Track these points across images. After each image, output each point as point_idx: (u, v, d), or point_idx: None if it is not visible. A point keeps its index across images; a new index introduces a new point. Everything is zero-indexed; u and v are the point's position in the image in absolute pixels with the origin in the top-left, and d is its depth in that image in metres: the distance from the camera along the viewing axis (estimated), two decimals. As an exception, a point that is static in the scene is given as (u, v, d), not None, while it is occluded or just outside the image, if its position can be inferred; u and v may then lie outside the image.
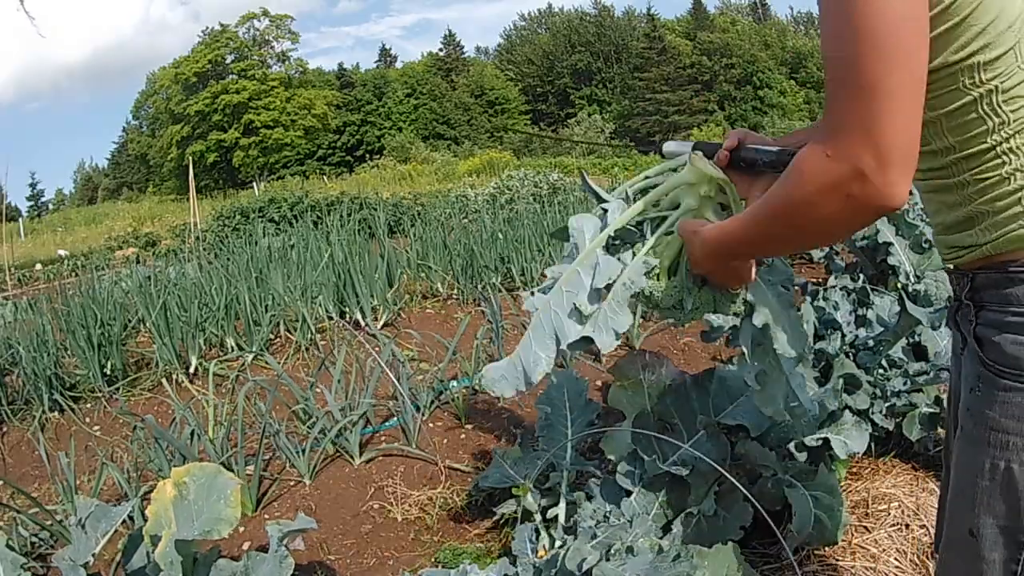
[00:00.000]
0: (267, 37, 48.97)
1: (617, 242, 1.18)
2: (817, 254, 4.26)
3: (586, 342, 1.12)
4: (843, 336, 2.55)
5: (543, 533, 1.84)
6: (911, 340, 2.50)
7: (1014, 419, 0.87)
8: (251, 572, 1.49)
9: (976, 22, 0.81)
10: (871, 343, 2.49)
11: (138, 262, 9.34)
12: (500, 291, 4.53)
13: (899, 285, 3.23)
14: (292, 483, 2.54)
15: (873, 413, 2.24)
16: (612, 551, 1.45)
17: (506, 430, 2.83)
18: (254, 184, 29.56)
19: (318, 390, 2.90)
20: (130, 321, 4.39)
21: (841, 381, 2.12)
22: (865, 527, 2.04)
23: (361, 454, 2.64)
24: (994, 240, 0.88)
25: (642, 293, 1.13)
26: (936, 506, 1.04)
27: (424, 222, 7.86)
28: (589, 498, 1.89)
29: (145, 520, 1.55)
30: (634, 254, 1.15)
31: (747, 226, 0.95)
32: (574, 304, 1.13)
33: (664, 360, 2.15)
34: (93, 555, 1.54)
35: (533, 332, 1.16)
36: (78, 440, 2.92)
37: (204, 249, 8.12)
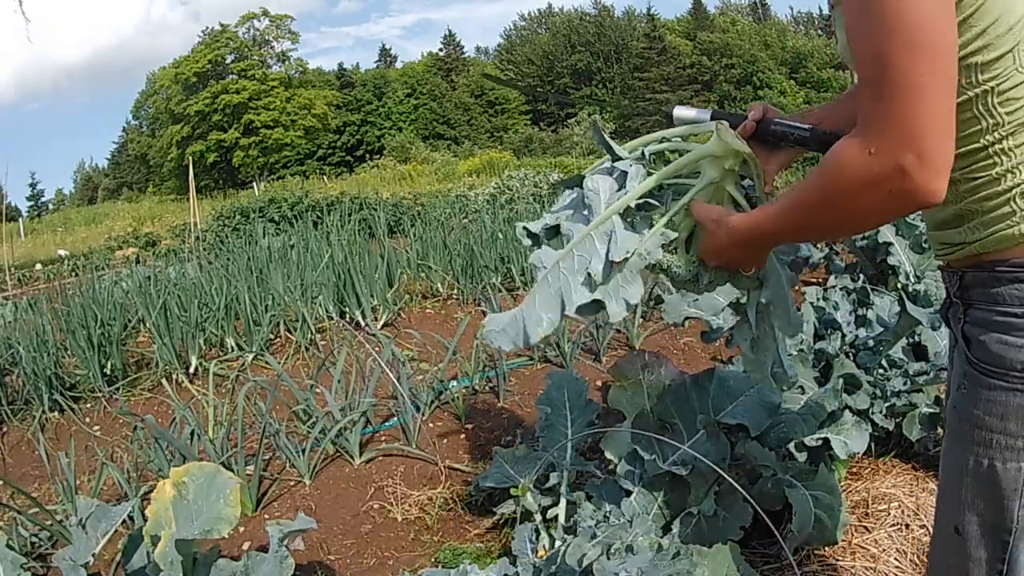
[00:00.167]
0: (267, 37, 48.98)
1: (631, 206, 1.14)
2: (817, 255, 4.25)
3: (595, 307, 1.09)
4: (843, 336, 2.55)
5: (543, 533, 1.84)
6: (911, 340, 2.50)
7: (997, 417, 0.88)
8: (251, 572, 1.49)
9: (977, 23, 0.81)
10: (871, 343, 2.49)
11: (138, 262, 9.34)
12: (500, 291, 4.53)
13: (899, 285, 3.23)
14: (292, 483, 2.54)
15: (873, 413, 2.24)
16: (612, 550, 1.45)
17: (506, 430, 2.83)
18: (254, 184, 29.57)
19: (318, 390, 2.90)
20: (130, 321, 4.38)
21: (841, 381, 2.12)
22: (865, 527, 2.04)
23: (361, 454, 2.64)
24: (982, 239, 0.89)
25: (659, 265, 1.10)
26: (935, 506, 1.05)
27: (424, 222, 7.86)
28: (589, 498, 1.89)
29: (145, 520, 1.55)
30: (651, 223, 1.11)
31: (781, 217, 0.94)
32: (587, 271, 1.09)
33: (664, 360, 2.15)
34: (93, 555, 1.54)
35: (538, 290, 1.12)
36: (78, 440, 2.92)
37: (204, 249, 8.12)
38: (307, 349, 3.94)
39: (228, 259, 5.86)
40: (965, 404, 0.92)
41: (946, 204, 0.92)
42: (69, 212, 42.48)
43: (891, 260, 3.48)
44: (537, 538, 1.83)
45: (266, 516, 2.36)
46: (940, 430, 2.21)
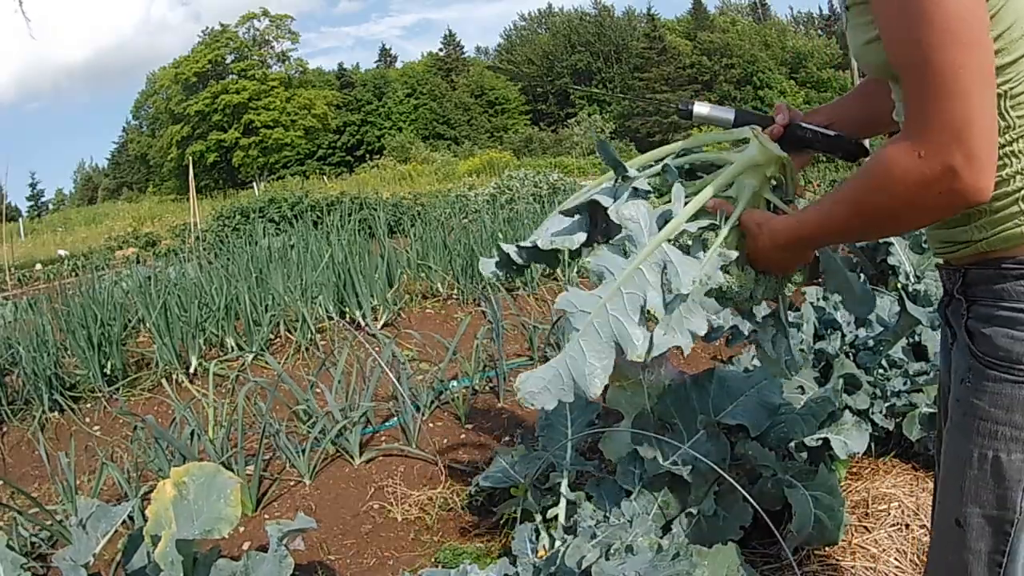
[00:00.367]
0: (267, 37, 48.99)
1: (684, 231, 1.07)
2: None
3: (661, 347, 1.01)
4: (843, 336, 2.55)
5: (543, 533, 1.83)
6: (911, 340, 2.50)
7: (1003, 409, 0.89)
8: (251, 572, 1.49)
9: (994, 27, 0.82)
10: (871, 343, 2.49)
11: (138, 262, 9.34)
12: (500, 291, 4.53)
13: (899, 285, 3.23)
14: (292, 483, 2.54)
15: (873, 413, 2.24)
16: (612, 550, 1.45)
17: (506, 430, 2.83)
18: (254, 184, 29.57)
19: (318, 390, 2.90)
20: (130, 321, 4.38)
21: (841, 381, 2.13)
22: (865, 527, 2.04)
23: (361, 454, 2.64)
24: (989, 237, 0.89)
25: (718, 288, 1.05)
26: (935, 500, 1.05)
27: (424, 222, 7.86)
28: (589, 498, 1.88)
29: (145, 520, 1.55)
30: (703, 244, 1.05)
31: (827, 220, 0.95)
32: (641, 307, 1.01)
33: (664, 360, 2.14)
34: (93, 555, 1.54)
35: (584, 339, 1.02)
36: (78, 440, 2.92)
37: (204, 249, 8.12)
38: (307, 349, 3.94)
39: (228, 259, 5.86)
40: (969, 396, 0.93)
41: None
42: (69, 212, 42.48)
43: (891, 260, 3.48)
44: (537, 538, 1.83)
45: (266, 516, 2.36)
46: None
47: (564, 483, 1.90)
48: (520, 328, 3.84)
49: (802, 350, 2.41)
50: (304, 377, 3.33)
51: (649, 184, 1.11)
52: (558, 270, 4.77)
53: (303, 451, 2.54)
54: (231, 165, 46.08)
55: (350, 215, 7.76)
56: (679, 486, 1.81)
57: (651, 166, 1.14)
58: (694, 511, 1.76)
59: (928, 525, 1.98)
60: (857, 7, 0.91)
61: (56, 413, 3.40)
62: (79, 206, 50.67)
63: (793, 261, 1.08)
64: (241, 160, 45.32)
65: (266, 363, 3.58)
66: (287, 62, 49.37)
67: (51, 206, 57.68)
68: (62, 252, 15.52)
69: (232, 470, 2.42)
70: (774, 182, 1.11)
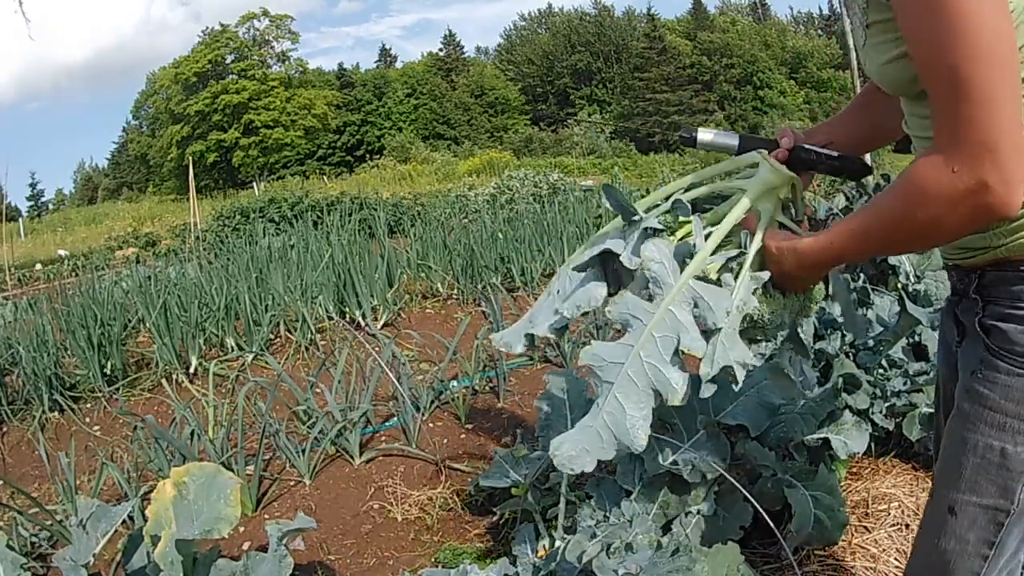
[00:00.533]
0: (267, 37, 48.96)
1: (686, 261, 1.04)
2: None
3: (711, 389, 0.99)
4: (843, 336, 2.55)
5: (543, 533, 1.84)
6: (911, 340, 2.50)
7: (1013, 402, 0.91)
8: (251, 572, 1.49)
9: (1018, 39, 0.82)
10: (871, 343, 2.49)
11: (138, 262, 9.34)
12: (500, 291, 4.53)
13: (899, 285, 3.23)
14: (292, 483, 2.54)
15: (873, 413, 2.24)
16: (612, 548, 1.45)
17: (506, 430, 2.83)
18: (254, 184, 29.56)
19: (318, 390, 2.90)
20: (130, 321, 4.38)
21: (841, 381, 2.12)
22: (865, 527, 2.04)
23: (361, 454, 2.64)
24: (1008, 244, 0.91)
25: (749, 317, 1.02)
26: (931, 488, 1.06)
27: (424, 222, 7.86)
28: (589, 498, 1.88)
29: (145, 520, 1.55)
30: (732, 273, 1.02)
31: (859, 239, 0.95)
32: (675, 349, 0.98)
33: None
34: (93, 555, 1.54)
35: (621, 392, 0.99)
36: (78, 440, 2.92)
37: (204, 249, 8.12)
38: (307, 349, 3.94)
39: (228, 259, 5.86)
40: (980, 388, 0.94)
41: None
42: (69, 212, 42.46)
43: (891, 260, 3.48)
44: (537, 538, 1.83)
45: (266, 516, 2.36)
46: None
47: (564, 483, 1.90)
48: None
49: (802, 350, 2.41)
50: (304, 377, 3.33)
51: (660, 223, 1.08)
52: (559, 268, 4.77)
53: (303, 451, 2.54)
54: (231, 165, 46.07)
55: (350, 215, 7.76)
56: (679, 486, 1.81)
57: (658, 205, 1.12)
58: (694, 511, 1.76)
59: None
60: (879, 25, 0.91)
61: (56, 413, 3.40)
62: (79, 206, 50.65)
63: (811, 281, 1.09)
64: (241, 160, 45.31)
65: (266, 363, 3.58)
66: (287, 62, 49.37)
67: (51, 206, 57.63)
68: (62, 252, 15.53)
69: (232, 470, 2.42)
70: (784, 203, 1.11)
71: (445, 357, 3.23)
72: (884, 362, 2.40)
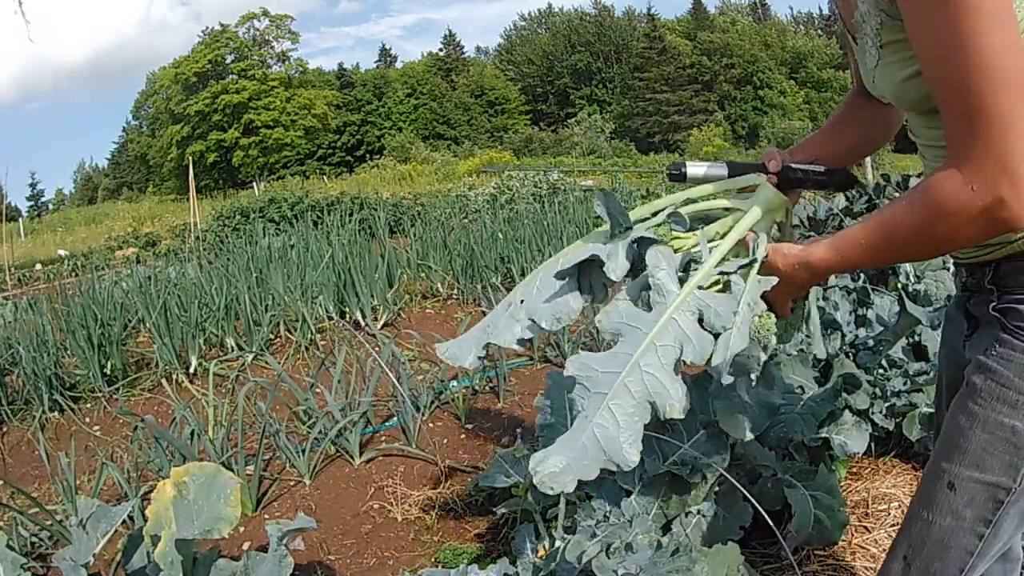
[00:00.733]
0: (267, 37, 48.98)
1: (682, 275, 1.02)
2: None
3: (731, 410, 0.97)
4: (843, 336, 2.55)
5: (543, 533, 1.84)
6: (911, 340, 2.50)
7: None
8: (251, 572, 1.49)
9: None
10: (871, 343, 2.49)
11: (138, 262, 9.34)
12: (500, 291, 4.53)
13: (899, 285, 3.23)
14: (292, 483, 2.54)
15: (873, 413, 2.24)
16: (612, 548, 1.45)
17: (506, 430, 2.83)
18: (254, 184, 29.54)
19: (318, 390, 2.90)
20: (130, 321, 4.38)
21: (841, 381, 2.12)
22: (865, 527, 2.04)
23: (361, 454, 2.64)
24: (1022, 238, 0.93)
25: (754, 332, 1.00)
26: (929, 464, 1.06)
27: (424, 222, 7.86)
28: (589, 498, 1.88)
29: (145, 520, 1.55)
30: (743, 277, 1.01)
31: (866, 250, 0.96)
32: (678, 359, 0.95)
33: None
34: (93, 555, 1.54)
35: (615, 403, 0.93)
36: (78, 440, 2.92)
37: (204, 249, 8.12)
38: (307, 349, 3.94)
39: (228, 259, 5.86)
40: (995, 364, 0.95)
41: None
42: (69, 212, 42.47)
43: (891, 260, 3.47)
44: (537, 538, 1.83)
45: (266, 516, 2.36)
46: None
47: (564, 483, 1.90)
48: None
49: (802, 350, 2.41)
50: (304, 377, 3.33)
51: (653, 235, 1.05)
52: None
53: (303, 451, 2.54)
54: (231, 165, 46.08)
55: (350, 215, 7.77)
56: (679, 486, 1.81)
57: (646, 219, 1.10)
58: (694, 511, 1.76)
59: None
60: (893, 45, 0.92)
61: (56, 413, 3.40)
62: (79, 206, 50.65)
63: (808, 289, 1.11)
64: (241, 160, 45.32)
65: (266, 363, 3.58)
66: (287, 62, 49.39)
67: (51, 206, 57.65)
68: (62, 252, 15.53)
69: (232, 470, 2.42)
70: (779, 226, 1.13)
71: (445, 357, 3.23)
72: (884, 362, 2.40)
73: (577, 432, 0.93)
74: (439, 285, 5.15)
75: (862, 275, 3.47)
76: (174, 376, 3.65)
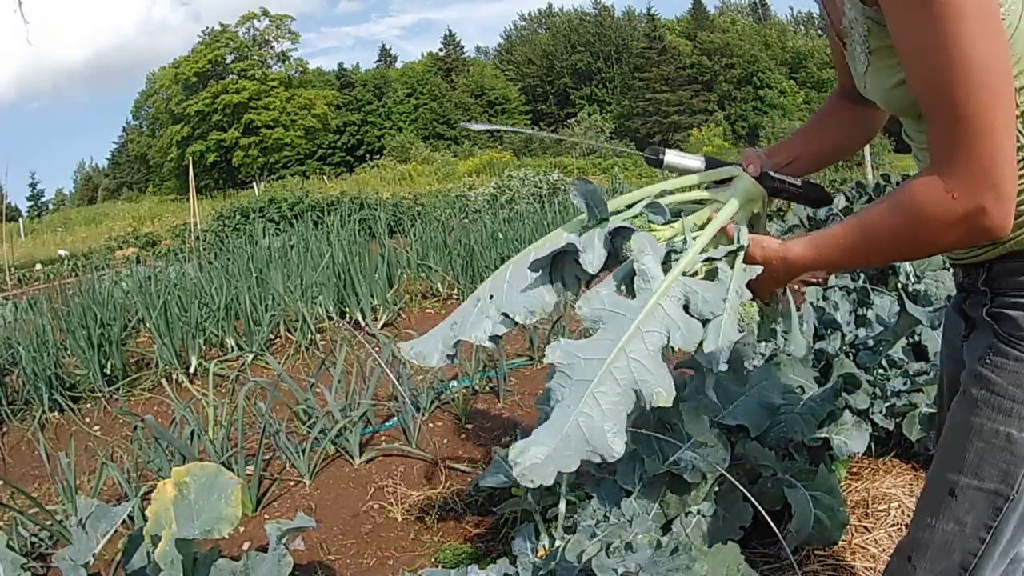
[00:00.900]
0: (267, 37, 48.95)
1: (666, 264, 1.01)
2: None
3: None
4: (843, 336, 2.55)
5: (543, 533, 1.84)
6: (911, 340, 2.50)
7: (1022, 388, 0.93)
8: (251, 572, 1.49)
9: (1014, 50, 0.84)
10: (871, 343, 2.49)
11: (138, 262, 9.34)
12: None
13: (899, 285, 3.23)
14: (292, 483, 2.54)
15: (873, 413, 2.23)
16: (611, 547, 1.45)
17: (506, 430, 2.83)
18: (254, 184, 29.52)
19: (318, 390, 2.90)
20: (130, 321, 4.39)
21: (841, 381, 2.12)
22: (865, 527, 2.04)
23: (361, 454, 2.64)
24: (1016, 238, 0.93)
25: (739, 321, 0.99)
26: (930, 472, 1.07)
27: (424, 222, 7.86)
28: (589, 498, 1.88)
29: (145, 520, 1.54)
30: (715, 273, 1.01)
31: (845, 251, 0.97)
32: (665, 345, 0.93)
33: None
34: (93, 555, 1.54)
35: (600, 391, 0.89)
36: (78, 440, 2.92)
37: (204, 249, 8.12)
38: (307, 349, 3.94)
39: (228, 259, 5.86)
40: (989, 372, 0.96)
41: None
42: (69, 212, 42.43)
43: (891, 260, 3.48)
44: (537, 538, 1.83)
45: (266, 516, 2.36)
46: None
47: (564, 483, 1.90)
48: (520, 328, 3.84)
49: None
50: (304, 377, 3.33)
51: (630, 225, 1.04)
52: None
53: (303, 451, 2.54)
54: (231, 165, 46.06)
55: (350, 215, 7.77)
56: (679, 486, 1.81)
57: (621, 211, 1.09)
58: (694, 511, 1.76)
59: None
60: (881, 51, 0.92)
61: (56, 413, 3.40)
62: (79, 206, 50.61)
63: (783, 285, 1.11)
64: (241, 160, 45.30)
65: (266, 363, 3.58)
66: (287, 62, 49.36)
67: (51, 206, 57.59)
68: (62, 252, 15.52)
69: (232, 470, 2.42)
70: (755, 218, 1.14)
71: (445, 357, 3.23)
72: (884, 362, 2.40)
73: (558, 421, 0.88)
74: (439, 285, 5.15)
75: (862, 275, 3.48)
76: (174, 376, 3.65)
